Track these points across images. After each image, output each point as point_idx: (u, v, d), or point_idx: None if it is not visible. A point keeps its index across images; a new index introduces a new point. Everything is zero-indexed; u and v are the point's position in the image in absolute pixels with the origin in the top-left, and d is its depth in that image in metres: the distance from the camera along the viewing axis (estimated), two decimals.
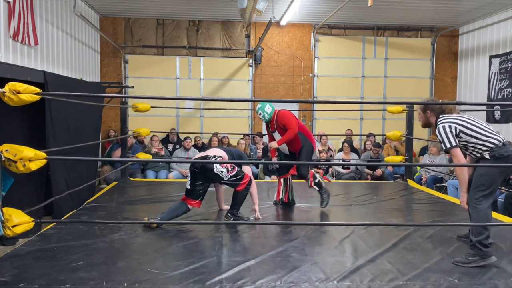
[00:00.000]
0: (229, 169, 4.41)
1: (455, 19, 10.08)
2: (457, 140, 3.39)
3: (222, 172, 4.37)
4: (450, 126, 3.40)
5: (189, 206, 4.45)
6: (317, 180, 5.19)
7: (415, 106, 3.89)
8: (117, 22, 10.33)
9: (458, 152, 3.38)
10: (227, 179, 4.41)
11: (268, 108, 5.06)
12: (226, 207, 4.88)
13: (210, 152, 4.57)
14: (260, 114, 5.07)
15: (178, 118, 10.59)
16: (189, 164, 5.60)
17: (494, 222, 4.45)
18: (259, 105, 5.10)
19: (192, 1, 8.91)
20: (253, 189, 4.62)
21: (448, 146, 3.39)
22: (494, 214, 4.95)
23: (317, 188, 5.22)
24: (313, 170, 5.28)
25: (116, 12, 9.95)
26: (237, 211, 4.57)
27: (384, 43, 10.90)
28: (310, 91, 10.89)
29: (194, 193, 4.45)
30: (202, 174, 4.40)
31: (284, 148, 5.21)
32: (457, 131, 3.40)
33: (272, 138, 5.28)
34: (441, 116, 3.54)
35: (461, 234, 3.96)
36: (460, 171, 3.46)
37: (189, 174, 4.49)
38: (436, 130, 3.49)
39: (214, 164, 4.34)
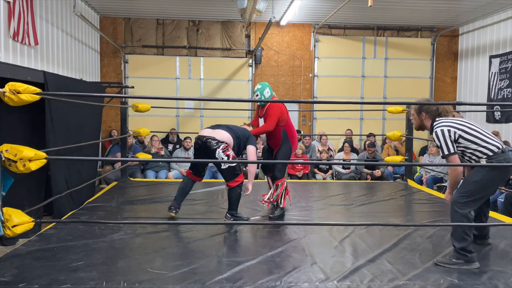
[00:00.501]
0: (230, 159, 4.37)
1: (455, 19, 10.08)
2: (455, 146, 3.27)
3: (222, 159, 4.35)
4: (449, 131, 3.27)
5: (194, 181, 4.66)
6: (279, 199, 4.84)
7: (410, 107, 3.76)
8: (117, 22, 10.34)
9: (456, 159, 3.27)
10: (225, 167, 4.39)
11: (267, 92, 4.89)
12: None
13: (217, 134, 4.48)
14: (257, 95, 4.93)
15: (178, 118, 10.60)
16: (189, 164, 5.60)
17: (493, 223, 4.46)
18: (259, 86, 4.93)
19: (192, 1, 8.91)
20: (253, 168, 4.61)
21: (446, 153, 3.27)
22: (494, 214, 4.95)
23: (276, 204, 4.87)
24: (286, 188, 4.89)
25: (116, 12, 9.95)
26: (235, 211, 4.53)
27: (384, 43, 10.90)
28: (310, 91, 10.90)
29: (196, 168, 4.58)
30: (204, 152, 4.41)
31: (264, 138, 5.07)
32: (456, 136, 3.27)
33: (257, 121, 5.10)
34: (437, 119, 3.40)
35: None
36: (456, 176, 3.34)
37: (193, 149, 4.51)
38: (433, 133, 3.34)
39: (217, 149, 4.34)
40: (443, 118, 3.41)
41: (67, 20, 7.98)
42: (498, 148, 3.28)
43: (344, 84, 10.85)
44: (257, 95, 4.91)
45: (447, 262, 3.28)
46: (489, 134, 3.36)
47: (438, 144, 3.31)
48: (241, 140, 4.60)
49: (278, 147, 4.93)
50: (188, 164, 5.93)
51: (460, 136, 3.28)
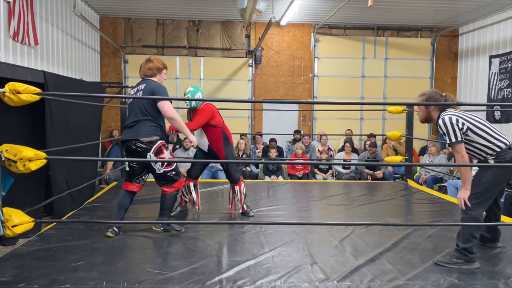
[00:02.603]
0: (164, 165, 3.88)
1: (455, 19, 10.08)
2: (463, 136, 3.19)
3: (156, 164, 3.86)
4: (457, 120, 3.18)
5: (132, 192, 4.04)
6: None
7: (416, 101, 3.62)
8: (117, 22, 10.34)
9: (462, 148, 3.18)
10: (160, 172, 3.90)
11: (199, 96, 4.60)
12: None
13: (141, 136, 3.79)
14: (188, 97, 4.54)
15: None
16: (189, 164, 5.57)
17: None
18: (191, 88, 4.62)
19: (192, 1, 8.91)
20: (178, 123, 3.98)
21: (454, 140, 3.16)
22: None
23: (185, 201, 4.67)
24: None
25: (116, 12, 9.95)
26: (167, 218, 4.05)
27: (384, 43, 10.90)
28: (310, 91, 10.90)
29: (134, 174, 3.99)
30: (135, 155, 3.88)
31: (204, 143, 4.66)
32: (465, 128, 3.19)
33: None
34: (446, 109, 3.33)
35: None
36: (464, 169, 3.23)
37: (125, 152, 3.95)
38: (440, 120, 3.25)
39: (148, 153, 3.81)
40: (451, 109, 3.34)
41: (67, 20, 7.98)
42: (506, 144, 3.23)
43: (344, 84, 10.85)
44: (188, 96, 4.60)
45: (448, 262, 3.27)
46: (497, 130, 3.30)
47: (444, 131, 3.20)
48: (154, 114, 3.89)
49: (222, 149, 4.64)
50: (188, 165, 5.91)
51: (469, 128, 3.20)
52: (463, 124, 3.20)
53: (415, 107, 3.64)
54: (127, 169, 4.03)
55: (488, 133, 3.23)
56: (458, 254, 3.26)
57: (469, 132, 3.22)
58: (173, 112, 3.91)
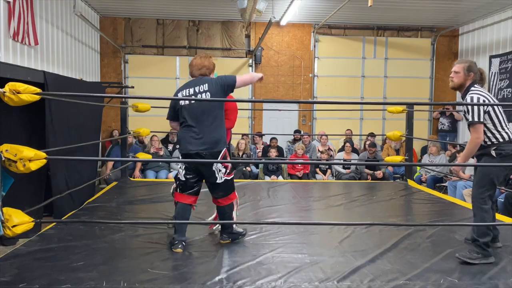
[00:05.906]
0: (228, 170, 3.70)
1: (455, 19, 10.08)
2: (484, 117, 3.30)
3: (219, 171, 3.64)
4: (484, 102, 3.32)
5: (191, 205, 3.78)
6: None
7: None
8: (117, 22, 10.33)
9: (481, 129, 3.30)
10: (221, 181, 3.66)
11: None
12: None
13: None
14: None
15: None
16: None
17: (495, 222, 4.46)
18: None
19: (192, 1, 8.91)
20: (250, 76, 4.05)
21: (476, 119, 3.28)
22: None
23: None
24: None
25: (116, 12, 9.95)
26: (232, 228, 3.84)
27: (384, 43, 10.90)
28: (310, 91, 10.89)
29: (188, 187, 3.70)
30: (195, 167, 3.66)
31: None
32: (487, 109, 3.32)
33: None
34: (476, 85, 3.46)
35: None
36: (475, 146, 3.34)
37: (181, 164, 3.67)
38: (468, 97, 3.38)
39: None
40: (479, 87, 3.46)
41: (67, 20, 7.98)
42: (509, 137, 3.34)
43: (344, 84, 10.85)
44: None
45: (470, 257, 3.31)
46: (505, 121, 3.41)
47: (470, 108, 3.30)
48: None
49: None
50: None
51: (488, 112, 3.32)
52: (487, 107, 3.31)
53: (452, 70, 3.73)
54: (183, 178, 3.72)
55: (499, 121, 3.35)
56: (477, 249, 3.33)
57: (486, 116, 3.33)
58: None
